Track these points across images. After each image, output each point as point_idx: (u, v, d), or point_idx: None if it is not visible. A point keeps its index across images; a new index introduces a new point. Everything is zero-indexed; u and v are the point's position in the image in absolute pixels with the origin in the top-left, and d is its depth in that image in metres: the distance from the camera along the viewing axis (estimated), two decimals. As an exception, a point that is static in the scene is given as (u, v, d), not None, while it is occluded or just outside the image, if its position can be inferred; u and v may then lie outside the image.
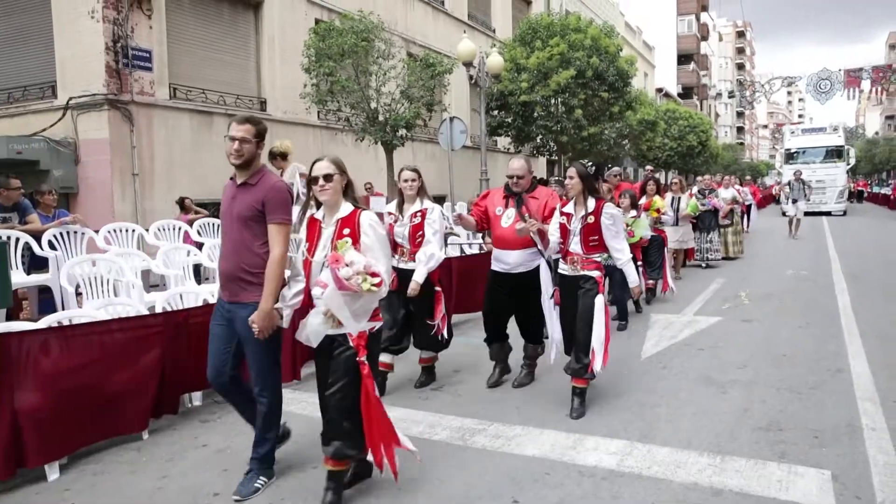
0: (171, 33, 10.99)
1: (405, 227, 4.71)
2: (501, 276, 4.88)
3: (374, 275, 2.95)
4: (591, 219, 4.36)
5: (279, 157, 7.89)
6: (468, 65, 13.03)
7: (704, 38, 61.09)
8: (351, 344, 3.08)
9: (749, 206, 18.00)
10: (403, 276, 4.66)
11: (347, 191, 3.24)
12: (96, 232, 7.20)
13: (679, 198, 9.94)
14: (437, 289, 4.81)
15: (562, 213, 4.55)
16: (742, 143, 79.53)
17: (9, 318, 5.30)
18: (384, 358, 4.72)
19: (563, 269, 4.53)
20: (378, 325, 3.23)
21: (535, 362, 5.18)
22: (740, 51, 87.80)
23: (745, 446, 3.79)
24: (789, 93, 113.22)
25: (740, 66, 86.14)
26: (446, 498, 3.29)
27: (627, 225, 6.56)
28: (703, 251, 11.39)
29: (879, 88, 29.76)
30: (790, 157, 27.69)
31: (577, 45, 16.22)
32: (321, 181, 3.14)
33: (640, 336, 6.59)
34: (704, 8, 60.76)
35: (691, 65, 56.23)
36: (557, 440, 3.96)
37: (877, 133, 72.72)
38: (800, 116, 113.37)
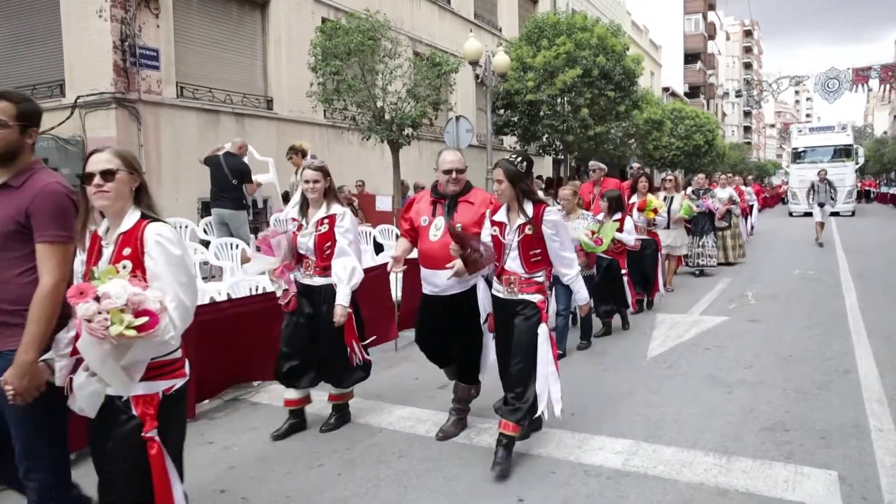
0: (178, 32, 11.03)
1: (310, 236, 3.96)
2: (432, 300, 4.04)
3: (141, 313, 2.07)
4: (529, 229, 3.52)
5: (300, 153, 8.01)
6: (474, 64, 13.03)
7: (711, 36, 60.82)
8: (134, 412, 2.22)
9: (751, 207, 16.90)
10: (308, 293, 4.00)
11: (141, 195, 2.36)
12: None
13: (672, 198, 8.97)
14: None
15: (492, 223, 3.68)
16: (749, 143, 79.17)
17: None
18: (290, 395, 4.12)
19: (498, 290, 3.69)
20: (180, 383, 2.33)
21: (467, 407, 4.21)
22: (748, 50, 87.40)
23: (751, 446, 3.78)
24: (797, 92, 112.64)
25: (747, 66, 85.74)
26: (452, 496, 3.30)
27: (593, 232, 5.67)
28: (694, 257, 10.42)
29: (888, 87, 29.54)
30: (797, 156, 27.29)
31: (583, 44, 16.19)
32: (96, 179, 2.24)
33: (645, 336, 6.58)
34: (712, 7, 60.50)
35: (698, 64, 56.01)
36: (563, 439, 3.96)
37: (885, 132, 72.33)
38: (807, 116, 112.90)
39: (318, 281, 3.98)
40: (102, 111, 10.07)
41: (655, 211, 7.59)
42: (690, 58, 55.09)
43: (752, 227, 16.89)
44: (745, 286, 9.39)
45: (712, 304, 8.20)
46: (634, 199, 7.81)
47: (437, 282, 3.95)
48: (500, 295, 3.68)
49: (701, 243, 10.42)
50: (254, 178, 8.30)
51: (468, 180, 3.99)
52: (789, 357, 5.66)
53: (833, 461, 3.55)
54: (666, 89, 43.11)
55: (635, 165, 9.66)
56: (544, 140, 18.34)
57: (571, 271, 3.71)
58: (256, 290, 6.26)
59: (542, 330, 3.55)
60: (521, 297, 3.60)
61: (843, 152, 26.29)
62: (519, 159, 3.57)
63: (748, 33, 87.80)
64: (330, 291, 3.91)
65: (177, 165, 10.88)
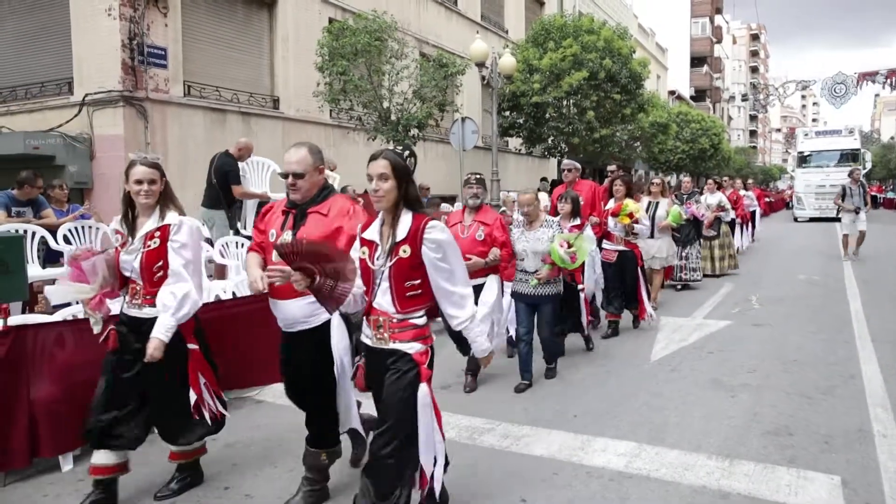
0: (186, 31, 11.07)
1: (136, 253, 3.09)
2: (283, 335, 3.21)
3: None
4: (404, 251, 2.60)
5: None
6: (481, 65, 13.05)
7: (718, 40, 60.70)
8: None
9: (753, 213, 15.98)
10: (135, 327, 3.13)
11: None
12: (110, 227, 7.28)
13: (657, 203, 7.98)
14: (192, 346, 3.20)
15: (362, 242, 2.74)
16: (755, 147, 78.98)
17: (24, 311, 5.38)
18: (100, 459, 3.13)
19: (366, 335, 2.77)
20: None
21: (320, 477, 3.28)
22: (754, 54, 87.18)
23: (754, 450, 3.78)
24: (803, 97, 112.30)
25: (754, 70, 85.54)
26: (454, 496, 3.30)
27: (569, 245, 4.88)
28: (676, 269, 9.40)
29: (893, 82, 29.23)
30: (803, 160, 26.82)
31: (589, 46, 16.19)
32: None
33: (649, 339, 6.58)
34: (719, 10, 60.39)
35: (704, 67, 55.90)
36: (566, 441, 3.97)
37: (892, 138, 72.03)
38: (814, 121, 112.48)
39: (148, 312, 3.09)
40: (110, 109, 10.11)
41: (631, 216, 6.52)
42: (697, 61, 54.98)
43: (754, 234, 16.27)
44: (750, 290, 9.37)
45: (716, 307, 8.19)
46: (611, 203, 6.91)
47: (284, 311, 3.09)
48: (369, 342, 2.76)
49: (685, 254, 9.48)
50: (249, 187, 8.13)
51: (331, 185, 3.18)
52: (793, 361, 5.65)
53: (836, 466, 3.55)
54: (672, 93, 43.06)
55: (611, 167, 8.66)
56: (549, 142, 18.33)
57: (463, 313, 2.70)
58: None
59: (422, 392, 2.63)
60: (392, 346, 2.65)
61: (849, 156, 25.74)
62: (406, 154, 3.01)
63: (755, 37, 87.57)
64: None
65: (183, 163, 10.91)
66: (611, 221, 6.64)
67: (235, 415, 4.54)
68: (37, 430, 3.54)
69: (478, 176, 4.95)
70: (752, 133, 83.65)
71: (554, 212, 6.28)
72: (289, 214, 3.10)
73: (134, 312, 3.15)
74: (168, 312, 3.00)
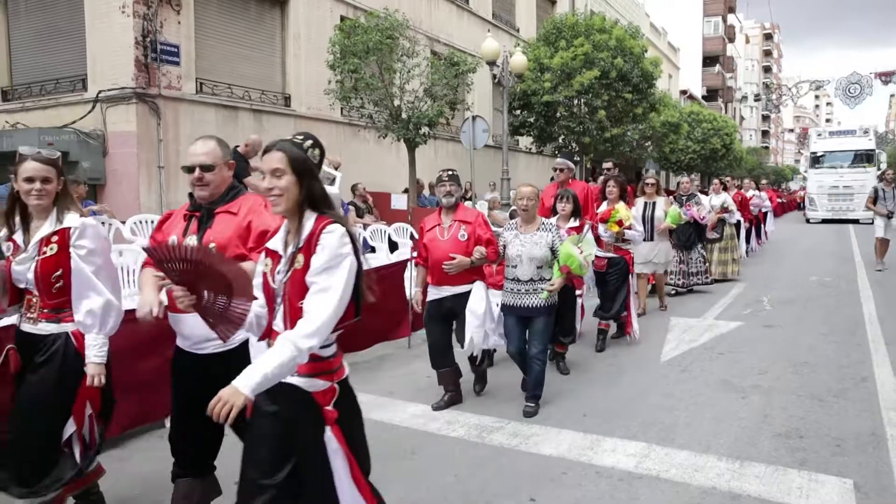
0: (198, 29, 11.14)
1: (30, 262, 2.63)
2: (182, 357, 2.73)
3: None
4: (298, 261, 2.10)
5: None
6: (492, 64, 13.02)
7: (731, 39, 60.28)
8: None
9: (765, 214, 15.67)
10: (31, 346, 2.67)
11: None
12: (123, 223, 7.34)
13: (654, 203, 7.54)
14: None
15: (266, 253, 2.25)
16: (767, 147, 78.38)
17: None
18: None
19: None
20: None
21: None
22: (767, 53, 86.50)
23: (765, 452, 3.76)
24: (817, 97, 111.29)
25: (767, 69, 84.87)
26: (463, 494, 3.31)
27: (580, 250, 4.44)
28: (677, 274, 8.92)
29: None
30: (816, 160, 26.41)
31: (601, 45, 16.13)
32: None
33: (659, 339, 6.55)
34: (731, 9, 59.95)
35: (717, 67, 55.53)
36: (575, 440, 3.96)
37: (907, 139, 71.25)
38: (827, 121, 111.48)
39: (45, 328, 2.65)
40: (123, 106, 10.20)
41: (620, 223, 6.04)
42: (709, 61, 54.62)
43: (767, 234, 16.14)
44: (761, 291, 9.30)
45: (727, 308, 8.14)
46: (604, 206, 6.39)
47: (185, 329, 2.63)
48: None
49: (686, 259, 9.00)
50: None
51: (239, 182, 2.82)
52: (805, 363, 5.61)
53: (848, 469, 3.52)
54: (684, 92, 42.81)
55: (606, 165, 8.02)
56: (560, 141, 18.29)
57: (306, 341, 1.98)
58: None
59: (329, 441, 2.13)
60: (290, 380, 2.12)
61: (864, 157, 25.34)
62: (309, 143, 2.38)
63: (768, 37, 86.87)
64: (63, 343, 2.64)
65: (195, 161, 10.99)
66: (600, 227, 6.15)
67: (246, 410, 4.58)
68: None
69: (450, 172, 4.57)
70: (765, 133, 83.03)
71: (549, 213, 5.66)
72: (192, 218, 2.71)
73: (28, 328, 2.67)
74: (93, 331, 2.62)
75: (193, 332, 2.58)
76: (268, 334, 2.23)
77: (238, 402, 1.89)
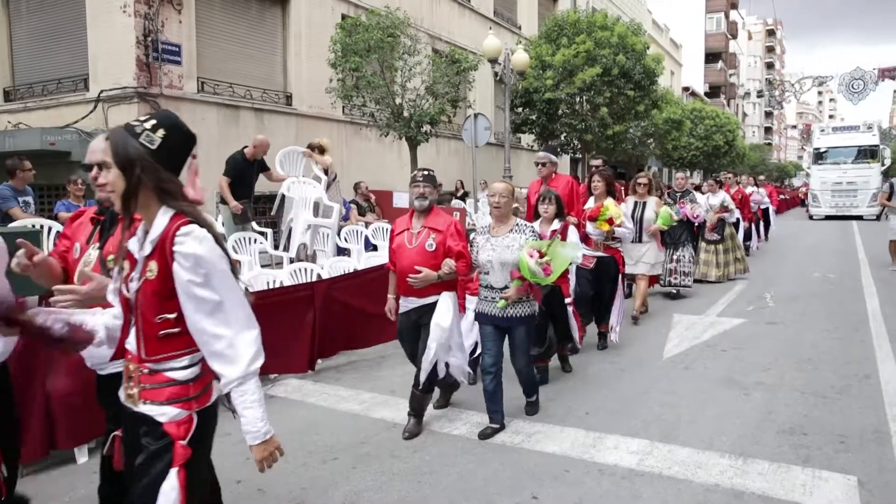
0: (199, 28, 11.13)
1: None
2: (101, 381, 2.54)
3: None
4: (151, 269, 1.83)
5: (316, 149, 8.08)
6: (493, 61, 13.02)
7: (733, 36, 60.11)
8: None
9: (766, 211, 15.16)
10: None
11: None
12: (125, 222, 7.33)
13: (644, 203, 7.22)
14: None
15: (126, 255, 1.93)
16: (770, 144, 78.19)
17: (40, 304, 5.44)
18: None
19: (122, 393, 1.98)
20: None
21: None
22: (770, 49, 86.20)
23: (768, 449, 3.75)
24: (820, 93, 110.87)
25: (770, 65, 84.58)
26: (465, 492, 3.31)
27: (541, 254, 3.89)
28: (666, 273, 8.43)
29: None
30: (819, 156, 26.10)
31: (603, 42, 16.10)
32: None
33: (662, 336, 6.53)
34: (734, 5, 59.80)
35: (719, 63, 55.39)
36: (577, 438, 3.96)
37: (910, 135, 70.98)
38: (830, 117, 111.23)
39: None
40: (125, 105, 10.20)
41: (611, 221, 5.72)
42: (711, 57, 54.50)
43: (768, 233, 15.68)
44: (764, 288, 9.28)
45: (730, 305, 8.12)
46: (590, 203, 6.10)
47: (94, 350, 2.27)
48: (123, 401, 1.97)
49: (676, 257, 8.49)
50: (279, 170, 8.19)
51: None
52: (808, 360, 5.59)
53: (852, 466, 3.51)
54: (686, 89, 42.71)
55: (595, 162, 7.55)
56: (563, 139, 18.26)
57: (231, 370, 1.85)
58: (273, 283, 6.31)
59: (171, 481, 1.83)
60: (141, 408, 1.88)
61: (868, 153, 25.05)
62: (149, 124, 1.83)
63: (771, 33, 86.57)
64: None
65: (197, 159, 10.99)
66: (589, 226, 5.83)
67: (248, 409, 4.57)
68: (53, 423, 3.58)
69: (425, 172, 4.11)
70: (768, 130, 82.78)
71: (532, 215, 5.28)
72: (98, 223, 2.50)
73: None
74: None
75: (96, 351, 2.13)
76: (120, 354, 1.96)
77: (271, 448, 1.98)
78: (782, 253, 13.87)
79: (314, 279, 6.07)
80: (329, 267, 6.56)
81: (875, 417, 4.22)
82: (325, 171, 8.36)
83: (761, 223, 14.68)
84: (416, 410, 4.11)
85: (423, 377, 4.01)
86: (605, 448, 3.80)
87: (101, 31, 10.35)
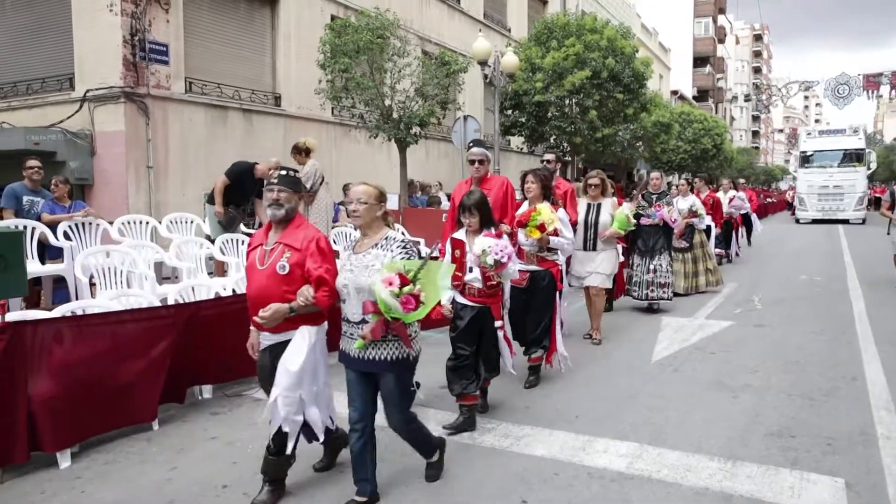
0: (187, 28, 11.05)
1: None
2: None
3: None
4: None
5: (303, 152, 7.99)
6: (483, 64, 13.02)
7: (721, 40, 60.60)
8: None
9: (746, 217, 14.28)
10: None
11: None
12: (111, 223, 7.26)
13: (598, 205, 6.42)
14: None
15: None
16: (757, 148, 78.91)
17: (29, 307, 5.38)
18: None
19: None
20: None
21: None
22: (757, 54, 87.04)
23: (757, 452, 3.75)
24: (806, 97, 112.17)
25: (757, 70, 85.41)
26: (454, 496, 3.28)
27: (405, 282, 2.90)
28: (642, 285, 7.64)
29: (899, 93, 29.21)
30: (805, 160, 26.20)
31: (592, 45, 16.15)
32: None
33: (650, 339, 6.54)
34: (722, 10, 60.29)
35: (707, 67, 55.81)
36: (567, 441, 3.94)
37: (895, 139, 71.91)
38: (816, 121, 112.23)
39: None
40: (111, 105, 10.10)
41: (542, 228, 4.82)
42: (700, 61, 54.91)
43: (750, 238, 15.04)
44: (752, 291, 9.33)
45: (718, 308, 8.15)
46: (525, 207, 5.21)
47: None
48: None
49: (652, 267, 7.59)
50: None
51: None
52: (796, 363, 5.61)
53: (840, 468, 3.52)
54: (674, 92, 43.00)
55: (548, 157, 6.69)
56: (552, 141, 18.30)
57: None
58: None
59: None
60: None
61: (854, 156, 25.16)
62: None
63: (758, 38, 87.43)
64: None
65: (184, 160, 10.90)
66: (520, 234, 4.96)
67: (235, 413, 4.52)
68: (35, 426, 3.52)
69: (283, 172, 3.22)
70: (755, 133, 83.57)
71: (455, 222, 4.49)
72: None
73: None
74: None
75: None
76: None
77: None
78: (769, 256, 13.97)
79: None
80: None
81: (862, 419, 4.25)
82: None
83: (742, 229, 13.85)
84: (271, 476, 3.23)
85: (272, 431, 3.17)
86: (594, 451, 3.79)
87: (87, 30, 10.24)
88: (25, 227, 6.26)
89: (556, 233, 4.90)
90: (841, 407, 4.50)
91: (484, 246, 3.85)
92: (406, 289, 2.85)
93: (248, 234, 7.91)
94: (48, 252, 6.68)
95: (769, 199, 35.51)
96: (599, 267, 6.38)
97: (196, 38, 11.29)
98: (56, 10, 10.59)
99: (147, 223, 7.77)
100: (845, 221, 23.78)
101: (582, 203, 6.47)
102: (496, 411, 4.48)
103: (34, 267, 6.13)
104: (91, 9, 10.16)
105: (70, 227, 6.75)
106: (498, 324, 4.21)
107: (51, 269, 6.45)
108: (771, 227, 21.93)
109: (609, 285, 6.63)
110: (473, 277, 4.09)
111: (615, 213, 6.36)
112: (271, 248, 3.17)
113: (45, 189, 7.00)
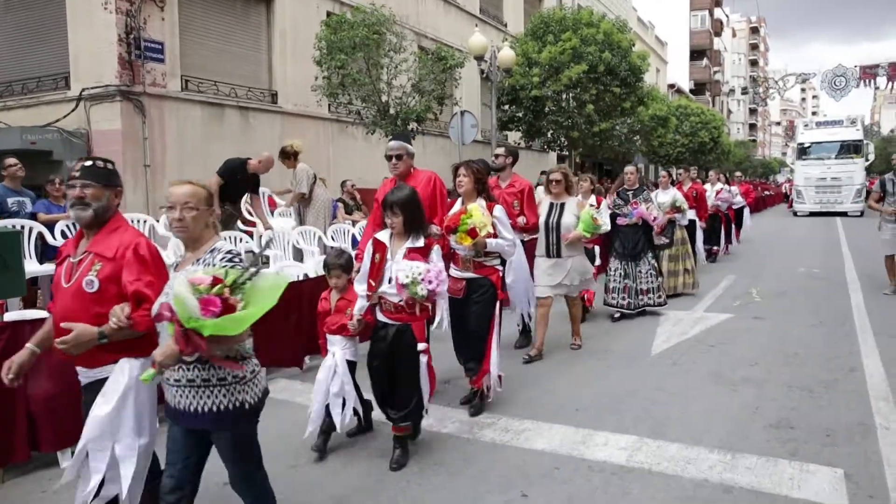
0: (183, 25, 11.01)
1: None
2: None
3: None
4: None
5: (292, 156, 7.96)
6: (479, 59, 13.00)
7: (718, 33, 60.54)
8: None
9: (741, 210, 13.63)
10: None
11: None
12: (109, 222, 7.24)
13: (561, 205, 5.69)
14: None
15: None
16: (754, 141, 78.93)
17: (27, 307, 5.37)
18: None
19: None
20: None
21: None
22: (754, 47, 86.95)
23: (756, 444, 3.76)
24: (803, 90, 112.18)
25: (754, 63, 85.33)
26: (455, 490, 3.29)
27: (216, 282, 2.15)
28: (618, 291, 6.98)
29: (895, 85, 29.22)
30: (803, 152, 25.94)
31: (589, 39, 16.13)
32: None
33: (650, 332, 6.55)
34: (718, 3, 60.20)
35: (704, 60, 55.76)
36: (567, 435, 3.95)
37: (892, 131, 71.98)
38: (813, 114, 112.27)
39: None
40: (107, 104, 10.07)
41: (474, 233, 4.00)
42: (696, 54, 54.85)
43: (739, 235, 13.88)
44: (750, 284, 9.34)
45: (717, 301, 8.16)
46: (457, 206, 4.45)
47: None
48: None
49: (634, 272, 7.03)
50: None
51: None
52: (795, 355, 5.63)
53: (839, 459, 3.53)
54: (671, 86, 42.96)
55: (498, 151, 5.95)
56: (549, 136, 18.30)
57: None
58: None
59: None
60: None
61: (851, 148, 24.86)
62: None
63: (755, 30, 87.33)
64: None
65: (181, 158, 10.88)
66: (451, 239, 4.19)
67: (235, 410, 4.52)
68: (36, 426, 3.53)
69: (88, 164, 2.57)
70: (752, 126, 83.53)
71: (382, 225, 3.73)
72: None
73: None
74: None
75: None
76: None
77: None
78: (767, 249, 13.99)
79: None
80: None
81: (860, 410, 4.26)
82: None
83: (732, 225, 12.93)
84: None
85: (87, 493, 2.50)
86: (594, 445, 3.80)
87: (82, 29, 10.21)
88: (23, 228, 6.25)
89: (490, 235, 4.16)
90: (840, 398, 4.51)
91: (412, 274, 3.27)
92: (215, 289, 2.11)
93: (247, 233, 7.92)
94: (46, 251, 6.67)
95: (766, 192, 35.51)
96: (567, 278, 5.64)
97: (191, 36, 11.26)
98: (51, 8, 10.55)
99: (144, 222, 7.76)
100: (843, 214, 23.45)
101: (544, 202, 5.79)
102: (496, 406, 4.48)
103: (32, 267, 6.12)
104: (86, 7, 10.12)
105: (68, 226, 6.74)
106: (421, 347, 3.48)
107: (49, 268, 6.44)
108: (768, 220, 21.96)
109: (575, 293, 5.82)
110: (388, 289, 3.45)
111: (580, 214, 5.64)
112: (79, 258, 2.52)
113: (26, 189, 6.97)
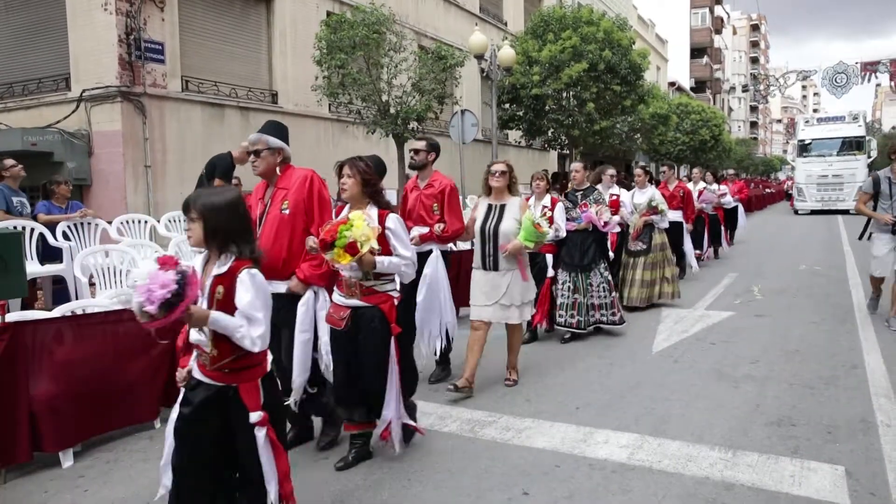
0: (183, 26, 11.02)
1: None
2: None
3: None
4: None
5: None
6: (480, 58, 12.99)
7: (718, 31, 60.43)
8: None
9: (733, 211, 12.75)
10: None
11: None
12: (109, 223, 7.26)
13: (501, 207, 4.72)
14: None
15: None
16: (755, 138, 78.83)
17: (24, 307, 5.37)
18: None
19: None
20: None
21: None
22: (754, 44, 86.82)
23: (758, 441, 3.76)
24: (804, 87, 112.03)
25: (754, 60, 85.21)
26: (456, 489, 3.29)
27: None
28: (564, 309, 6.05)
29: (897, 82, 29.10)
30: (804, 148, 25.46)
31: (589, 37, 16.11)
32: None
33: (651, 330, 6.55)
34: (718, 1, 60.10)
35: (704, 58, 55.68)
36: (567, 433, 3.95)
37: (894, 128, 71.84)
38: (814, 111, 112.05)
39: None
40: (108, 105, 10.08)
41: (353, 249, 3.12)
42: (697, 52, 54.77)
43: (733, 237, 13.09)
44: (752, 281, 9.34)
45: (718, 298, 8.16)
46: (343, 214, 3.55)
47: None
48: None
49: (584, 285, 6.12)
50: None
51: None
52: (796, 352, 5.62)
53: (840, 456, 3.53)
54: (672, 84, 42.90)
55: (417, 146, 4.94)
56: (550, 134, 18.28)
57: None
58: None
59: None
60: None
61: (853, 144, 24.36)
62: None
63: (755, 28, 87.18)
64: None
65: (182, 159, 10.88)
66: (326, 256, 3.23)
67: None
68: (37, 426, 3.53)
69: None
70: (753, 124, 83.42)
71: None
72: None
73: None
74: None
75: None
76: None
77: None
78: (769, 247, 13.98)
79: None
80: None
81: (862, 407, 4.26)
82: None
83: (722, 227, 11.85)
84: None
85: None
86: (595, 443, 3.80)
87: (82, 30, 10.21)
88: (24, 228, 6.26)
89: (374, 252, 3.24)
90: (841, 395, 4.51)
91: (139, 279, 2.14)
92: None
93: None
94: (47, 252, 6.68)
95: (768, 190, 35.45)
96: (505, 297, 4.62)
97: (191, 37, 11.27)
98: (51, 10, 10.56)
99: (146, 222, 7.77)
100: (845, 212, 22.74)
101: (482, 204, 4.83)
102: (497, 404, 4.48)
103: (33, 267, 6.13)
104: (86, 8, 10.12)
105: (69, 227, 6.75)
106: (255, 417, 2.36)
107: (50, 269, 6.45)
108: (769, 218, 21.93)
109: (527, 317, 4.86)
110: (198, 337, 2.39)
111: (522, 220, 4.58)
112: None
113: (20, 190, 6.96)
